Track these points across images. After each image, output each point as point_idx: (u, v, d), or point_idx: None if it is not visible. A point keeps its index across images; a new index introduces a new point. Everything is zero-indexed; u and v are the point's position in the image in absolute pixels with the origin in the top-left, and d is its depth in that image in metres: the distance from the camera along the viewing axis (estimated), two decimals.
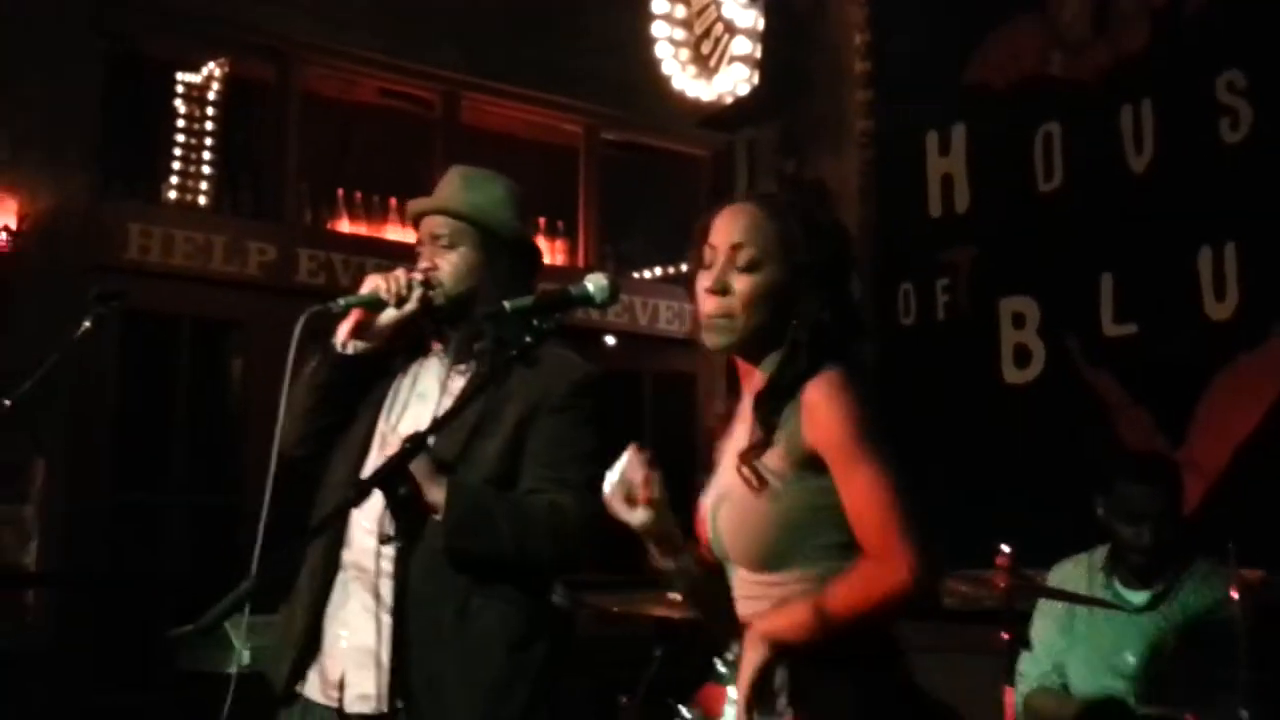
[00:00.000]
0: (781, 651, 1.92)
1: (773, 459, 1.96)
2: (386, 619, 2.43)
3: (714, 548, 2.10)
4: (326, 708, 2.55)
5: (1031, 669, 3.78)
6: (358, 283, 2.74)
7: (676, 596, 2.25)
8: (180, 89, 6.29)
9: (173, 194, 6.16)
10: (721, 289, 2.01)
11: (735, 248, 2.01)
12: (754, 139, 6.65)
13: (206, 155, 6.27)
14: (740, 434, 2.05)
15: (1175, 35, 4.67)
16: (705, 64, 6.50)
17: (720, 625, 2.16)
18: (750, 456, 1.97)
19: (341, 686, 2.53)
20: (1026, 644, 3.74)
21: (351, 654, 2.54)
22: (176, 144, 6.23)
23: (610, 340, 6.69)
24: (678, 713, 3.50)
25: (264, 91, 6.34)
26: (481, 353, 2.61)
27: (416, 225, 2.78)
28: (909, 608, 1.90)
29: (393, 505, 2.20)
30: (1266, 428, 4.23)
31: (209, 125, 6.31)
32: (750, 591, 2.02)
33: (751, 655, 1.93)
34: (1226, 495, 4.22)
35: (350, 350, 2.63)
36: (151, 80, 6.23)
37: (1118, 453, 4.42)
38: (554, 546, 2.52)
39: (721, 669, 3.31)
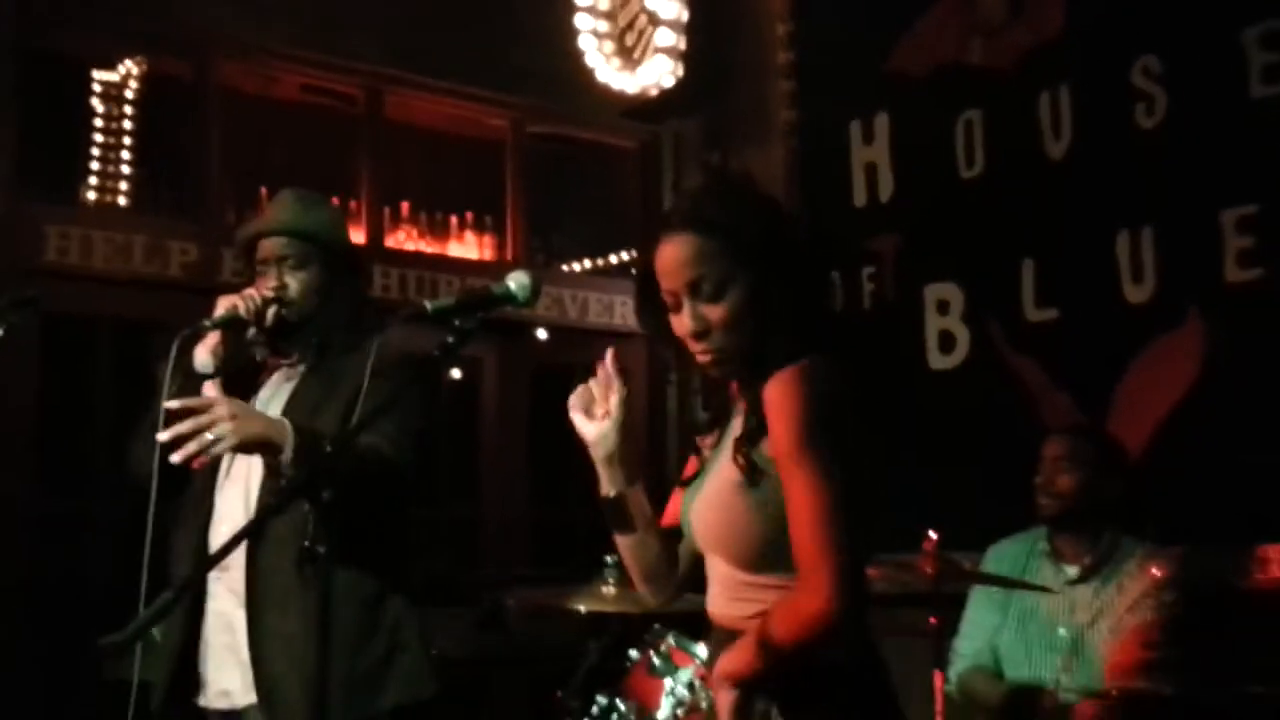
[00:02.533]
0: (747, 686, 1.89)
1: (764, 452, 1.93)
2: (241, 614, 2.65)
3: (696, 540, 2.07)
4: (195, 708, 2.72)
5: (966, 647, 3.85)
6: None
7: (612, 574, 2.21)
8: (97, 87, 6.18)
9: (91, 194, 6.06)
10: (702, 329, 1.96)
11: (692, 285, 1.96)
12: (679, 130, 6.66)
13: (125, 155, 6.16)
14: (737, 427, 2.02)
15: (1091, 21, 4.72)
16: (629, 56, 6.49)
17: (646, 584, 2.18)
18: (742, 444, 1.93)
19: (202, 685, 2.71)
20: (953, 629, 3.83)
21: (212, 654, 2.72)
22: (94, 144, 6.13)
23: (541, 334, 6.67)
24: (613, 707, 3.53)
25: (183, 89, 6.24)
26: (317, 349, 2.84)
27: (251, 247, 2.92)
28: (830, 635, 1.84)
29: (318, 511, 2.21)
30: (1184, 408, 4.31)
31: (127, 124, 6.21)
32: (741, 593, 1.98)
33: (723, 698, 1.91)
34: (1146, 475, 4.28)
35: (209, 369, 2.75)
36: (67, 79, 6.12)
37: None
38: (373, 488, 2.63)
39: (656, 661, 3.35)
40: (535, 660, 4.66)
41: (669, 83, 6.44)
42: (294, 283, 2.84)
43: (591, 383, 2.07)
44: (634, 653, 3.54)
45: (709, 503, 2.00)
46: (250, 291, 2.79)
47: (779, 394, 1.87)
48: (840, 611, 1.81)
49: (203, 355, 2.74)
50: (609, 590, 3.62)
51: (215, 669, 2.74)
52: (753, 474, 1.91)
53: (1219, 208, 4.23)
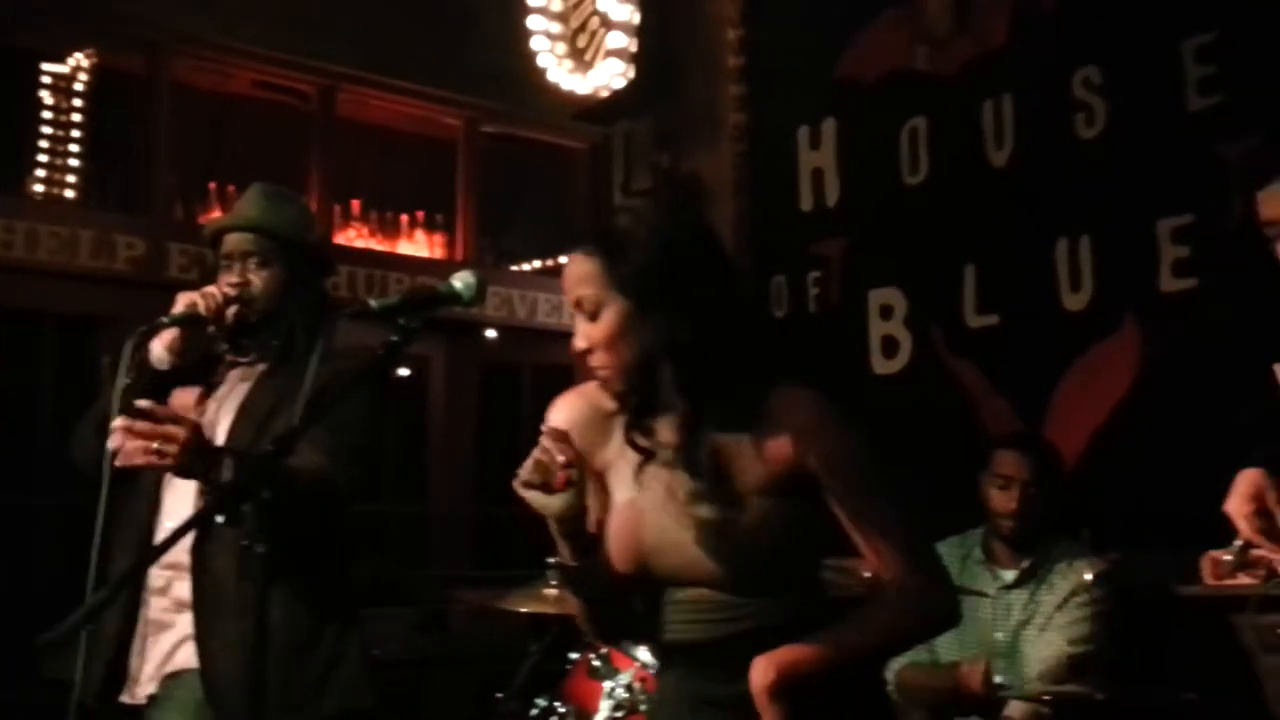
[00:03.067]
0: (792, 689, 1.91)
1: (746, 478, 1.98)
2: (179, 618, 2.66)
3: (646, 567, 2.06)
4: (125, 707, 2.70)
5: None
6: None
7: (568, 599, 2.17)
8: (46, 80, 6.14)
9: (38, 187, 6.03)
10: (586, 346, 2.03)
11: (577, 303, 2.04)
12: (629, 132, 6.68)
13: (73, 148, 6.14)
14: (665, 456, 2.05)
15: (1033, 31, 4.76)
16: (581, 58, 6.52)
17: (613, 635, 2.18)
18: (718, 480, 1.98)
19: (136, 683, 2.71)
20: None
21: (152, 649, 2.71)
22: (42, 136, 6.10)
23: (490, 334, 6.69)
24: (552, 709, 3.55)
25: (133, 83, 6.22)
26: (278, 351, 2.81)
27: (216, 241, 2.89)
28: (939, 631, 2.10)
29: (257, 510, 2.21)
30: (1119, 415, 4.35)
31: (76, 117, 6.18)
32: (730, 613, 2.02)
33: (770, 707, 1.91)
34: (1082, 481, 4.33)
35: (165, 366, 2.73)
36: (16, 71, 6.07)
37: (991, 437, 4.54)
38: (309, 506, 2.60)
39: (596, 663, 3.37)
40: (475, 661, 4.67)
41: (620, 84, 6.48)
42: (257, 280, 2.81)
43: (538, 453, 1.97)
44: (574, 655, 3.56)
45: (685, 537, 2.00)
46: (211, 289, 2.76)
47: (818, 423, 2.00)
48: (953, 599, 2.03)
49: (159, 350, 2.72)
50: (550, 592, 3.64)
51: (141, 665, 2.73)
52: (731, 504, 1.97)
53: (1156, 217, 4.27)
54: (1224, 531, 2.68)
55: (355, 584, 2.84)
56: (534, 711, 3.59)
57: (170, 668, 2.69)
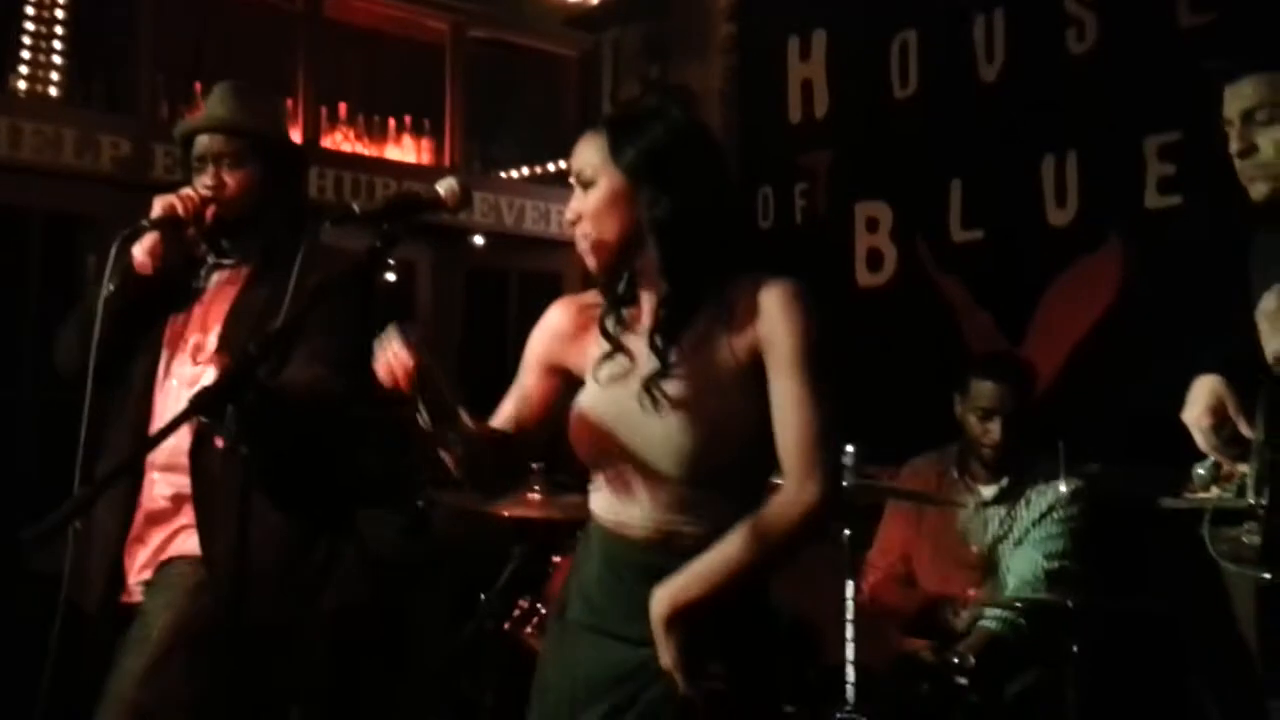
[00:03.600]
0: (690, 617, 1.95)
1: (716, 368, 2.03)
2: (184, 511, 2.68)
3: (606, 450, 2.11)
4: (122, 607, 2.72)
5: (880, 559, 3.96)
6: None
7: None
8: None
9: (21, 84, 5.94)
10: (574, 217, 2.11)
11: (578, 175, 2.11)
12: (619, 40, 6.63)
13: (57, 45, 6.04)
14: (638, 344, 2.11)
15: None
16: None
17: (471, 480, 2.26)
18: (655, 383, 2.03)
19: (130, 576, 2.73)
20: (868, 541, 3.93)
21: (149, 546, 2.73)
22: (25, 32, 6.00)
23: (477, 240, 6.67)
24: (535, 610, 3.62)
25: None
26: (262, 254, 2.79)
27: (189, 143, 2.85)
28: (820, 527, 2.00)
29: (242, 410, 2.21)
30: (1099, 330, 4.40)
31: (59, 14, 6.07)
32: (660, 507, 2.06)
33: (668, 639, 1.95)
34: (1061, 395, 4.39)
35: (148, 270, 2.72)
36: None
37: (974, 354, 4.57)
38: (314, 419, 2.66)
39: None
40: (459, 564, 4.72)
41: None
42: (231, 181, 2.79)
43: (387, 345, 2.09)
44: (556, 558, 3.62)
45: (635, 428, 2.05)
46: (187, 191, 2.75)
47: (784, 305, 2.01)
48: (830, 506, 1.99)
49: (140, 255, 2.71)
50: (534, 496, 3.69)
51: (132, 559, 2.75)
52: (704, 388, 2.02)
53: (1143, 134, 4.29)
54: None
55: (357, 480, 2.91)
56: (517, 612, 3.66)
57: (167, 554, 2.72)
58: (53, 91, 5.98)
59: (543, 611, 3.57)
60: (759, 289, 2.03)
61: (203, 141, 2.82)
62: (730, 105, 5.75)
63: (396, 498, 4.89)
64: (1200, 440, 2.52)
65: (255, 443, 2.29)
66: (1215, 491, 3.04)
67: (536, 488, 3.68)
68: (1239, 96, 2.64)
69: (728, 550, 1.97)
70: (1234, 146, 2.60)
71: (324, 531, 2.76)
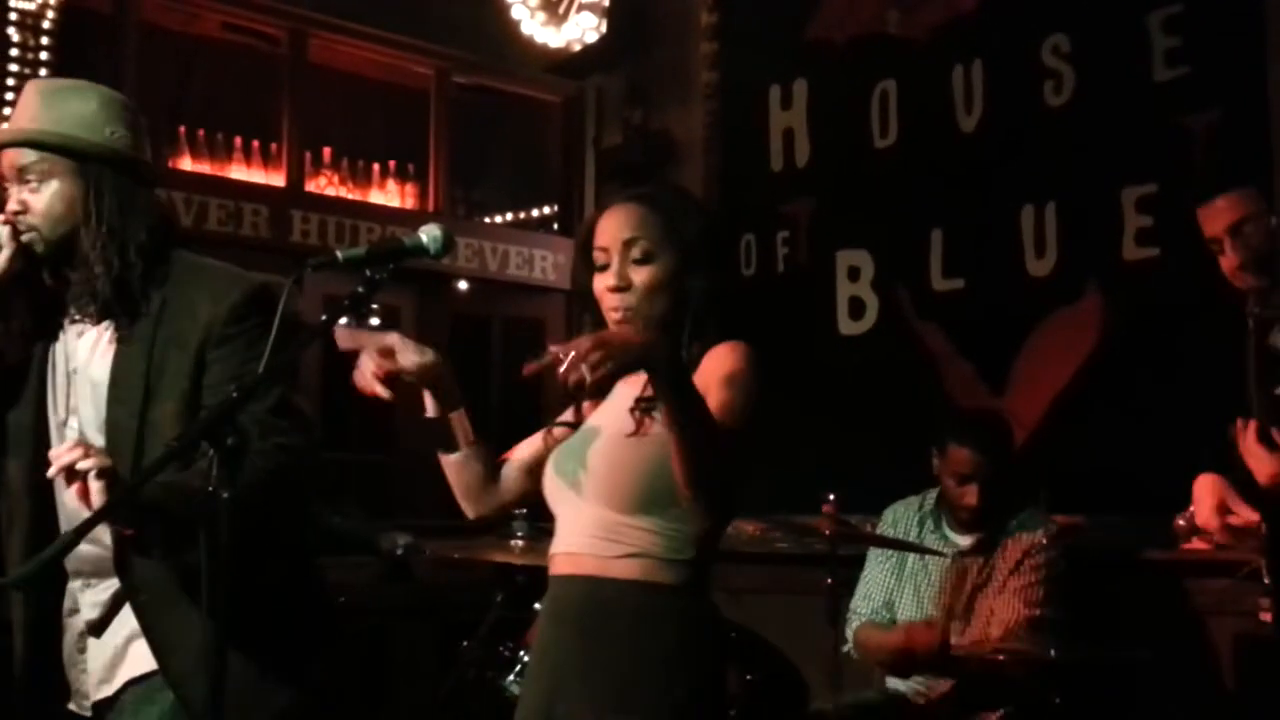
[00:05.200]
0: (641, 364, 1.92)
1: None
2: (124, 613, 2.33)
3: (558, 480, 2.20)
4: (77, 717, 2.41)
5: (863, 605, 3.96)
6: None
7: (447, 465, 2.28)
8: (13, 16, 6.06)
9: (4, 126, 5.97)
10: (623, 284, 2.16)
11: (628, 244, 2.17)
12: (602, 86, 6.67)
13: None
14: (623, 392, 2.14)
15: None
16: (554, 10, 6.49)
17: (466, 499, 2.30)
18: (644, 405, 2.09)
19: (81, 693, 2.40)
20: (850, 589, 3.93)
21: (94, 657, 2.39)
22: (8, 74, 6.02)
23: (461, 286, 6.69)
24: (516, 657, 3.61)
25: (101, 21, 6.14)
26: (96, 295, 2.29)
27: None
28: (721, 454, 1.99)
29: (221, 456, 2.12)
30: (1080, 380, 4.43)
31: (43, 55, 6.10)
32: (616, 534, 2.11)
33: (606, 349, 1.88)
34: (1043, 445, 4.41)
35: None
36: None
37: (952, 409, 4.59)
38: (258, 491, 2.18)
39: None
40: (441, 610, 4.71)
41: (593, 39, 6.46)
42: (35, 202, 2.28)
43: (366, 352, 2.15)
44: (538, 604, 3.60)
45: (602, 454, 2.15)
46: None
47: (730, 354, 2.11)
48: (730, 442, 2.01)
49: None
50: (516, 542, 3.69)
51: (82, 672, 2.40)
52: (646, 424, 2.09)
53: (1120, 186, 4.34)
54: (1181, 496, 2.77)
55: (314, 538, 2.70)
56: (498, 660, 3.65)
57: (127, 671, 2.34)
58: None
59: (524, 658, 3.56)
60: (717, 351, 2.13)
61: (4, 159, 2.33)
62: (712, 153, 5.78)
63: (366, 548, 4.86)
64: (1220, 540, 2.60)
65: (234, 487, 2.18)
66: (1196, 544, 3.08)
67: (519, 534, 3.67)
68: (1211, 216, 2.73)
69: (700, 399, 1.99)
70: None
71: (287, 604, 2.41)
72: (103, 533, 2.23)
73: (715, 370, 2.09)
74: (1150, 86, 4.29)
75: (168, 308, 2.31)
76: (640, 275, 2.16)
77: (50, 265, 2.32)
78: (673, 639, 2.10)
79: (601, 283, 2.19)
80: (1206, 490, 2.61)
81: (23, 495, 2.37)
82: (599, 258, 2.20)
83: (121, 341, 2.31)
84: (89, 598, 2.37)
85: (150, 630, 2.28)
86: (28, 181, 2.30)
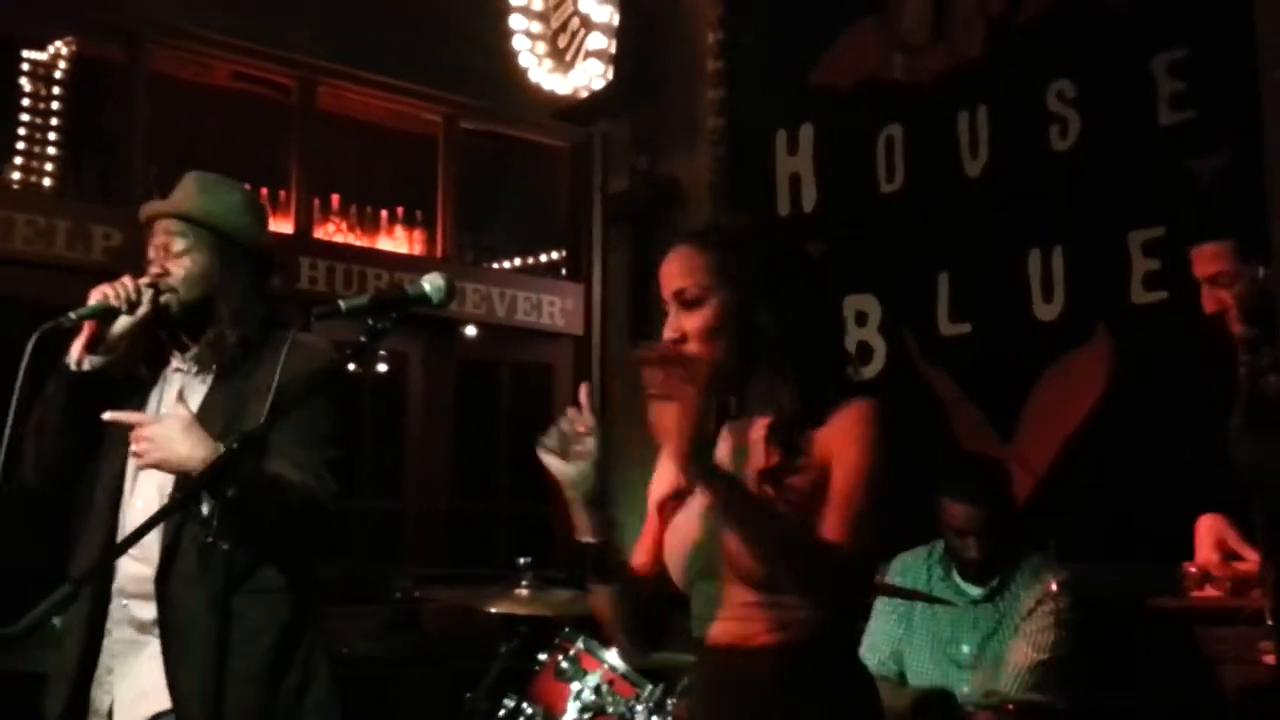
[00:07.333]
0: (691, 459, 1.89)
1: (796, 482, 1.96)
2: (154, 641, 2.50)
3: (689, 565, 2.07)
4: None
5: (870, 657, 3.90)
6: None
7: (597, 597, 2.13)
8: (25, 66, 6.11)
9: (15, 175, 5.99)
10: (678, 336, 2.02)
11: (677, 294, 2.04)
12: (608, 133, 6.70)
13: (52, 136, 6.10)
14: (741, 454, 2.05)
15: (1009, 44, 4.82)
16: (561, 58, 6.55)
17: (647, 639, 2.17)
18: (774, 478, 1.97)
19: (110, 716, 2.54)
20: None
21: (119, 681, 2.55)
22: (20, 123, 6.06)
23: (469, 331, 6.70)
24: (520, 709, 3.57)
25: (113, 72, 6.19)
26: (221, 352, 2.63)
27: (149, 231, 2.71)
28: (832, 567, 1.91)
29: (221, 507, 2.17)
30: (1089, 425, 4.40)
31: (55, 105, 6.14)
32: (741, 614, 2.01)
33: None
34: (1052, 491, 4.38)
35: (86, 366, 2.53)
36: None
37: (950, 459, 4.54)
38: (294, 527, 2.50)
39: (564, 665, 3.39)
40: (446, 660, 4.68)
41: (599, 85, 6.50)
42: (176, 269, 2.61)
43: (562, 422, 2.00)
44: (543, 655, 3.58)
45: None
46: (125, 279, 2.57)
47: (858, 415, 1.96)
48: (849, 551, 1.91)
49: (75, 352, 2.52)
50: (521, 592, 3.65)
51: (105, 693, 2.57)
52: (783, 504, 1.95)
53: (1127, 230, 4.33)
54: (1191, 543, 2.74)
55: (321, 586, 2.72)
56: (502, 711, 3.61)
57: (148, 709, 2.51)
58: (46, 182, 6.03)
59: (528, 711, 3.52)
60: (847, 408, 1.98)
61: (157, 227, 2.68)
62: (718, 198, 5.79)
63: (379, 595, 4.85)
64: (1223, 583, 2.59)
65: (236, 539, 2.26)
66: (1209, 590, 3.05)
67: (524, 583, 3.64)
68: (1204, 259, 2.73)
69: (769, 510, 1.93)
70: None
71: (297, 652, 2.58)
72: (151, 549, 2.45)
73: (841, 436, 1.96)
74: (1156, 130, 4.29)
75: (261, 367, 2.59)
76: (692, 322, 2.01)
77: (177, 324, 2.64)
78: (825, 703, 1.99)
79: (665, 333, 2.05)
80: (1207, 529, 2.60)
81: (107, 500, 2.60)
82: (666, 307, 2.07)
83: (214, 389, 2.62)
84: (130, 613, 2.55)
85: (168, 644, 2.47)
86: (174, 251, 2.64)
